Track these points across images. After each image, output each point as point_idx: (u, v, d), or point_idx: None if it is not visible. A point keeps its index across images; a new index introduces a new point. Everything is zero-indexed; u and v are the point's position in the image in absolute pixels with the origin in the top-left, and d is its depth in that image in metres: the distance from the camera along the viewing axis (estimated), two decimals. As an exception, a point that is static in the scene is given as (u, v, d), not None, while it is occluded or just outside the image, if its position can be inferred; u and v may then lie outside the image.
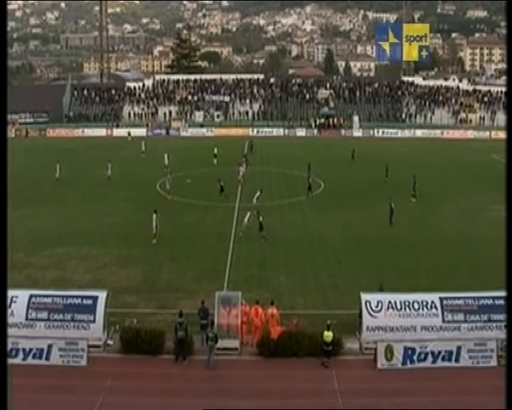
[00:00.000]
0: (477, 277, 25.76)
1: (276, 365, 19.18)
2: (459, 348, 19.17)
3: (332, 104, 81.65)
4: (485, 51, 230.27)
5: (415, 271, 27.20)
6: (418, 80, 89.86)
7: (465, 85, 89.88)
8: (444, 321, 19.61)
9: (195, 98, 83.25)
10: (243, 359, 19.67)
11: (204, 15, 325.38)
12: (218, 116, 79.95)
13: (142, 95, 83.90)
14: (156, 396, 17.40)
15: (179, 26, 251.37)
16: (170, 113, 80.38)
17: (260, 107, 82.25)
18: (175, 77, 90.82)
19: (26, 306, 19.67)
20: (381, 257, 28.92)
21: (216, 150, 52.75)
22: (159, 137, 71.19)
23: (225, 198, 39.25)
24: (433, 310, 19.70)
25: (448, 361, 19.12)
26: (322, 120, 77.15)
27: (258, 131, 73.69)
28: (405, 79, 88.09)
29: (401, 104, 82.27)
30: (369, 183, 45.13)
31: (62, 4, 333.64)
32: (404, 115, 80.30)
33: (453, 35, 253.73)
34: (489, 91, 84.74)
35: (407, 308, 19.73)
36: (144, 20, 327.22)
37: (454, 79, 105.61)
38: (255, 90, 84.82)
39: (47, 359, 19.05)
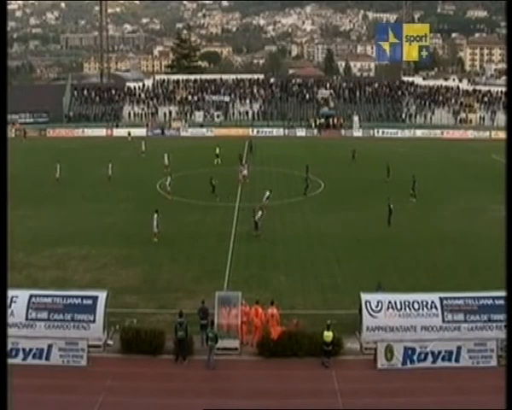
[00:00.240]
0: (477, 277, 25.77)
1: (276, 365, 19.18)
2: (459, 348, 19.17)
3: (332, 104, 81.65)
4: (485, 51, 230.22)
5: (415, 271, 27.21)
6: (418, 80, 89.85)
7: (465, 85, 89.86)
8: (444, 321, 19.61)
9: (195, 98, 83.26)
10: (243, 359, 19.67)
11: (204, 15, 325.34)
12: (218, 116, 79.96)
13: (142, 95, 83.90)
14: (156, 396, 17.41)
15: (179, 26, 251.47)
16: (170, 113, 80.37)
17: (260, 107, 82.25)
18: (175, 77, 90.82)
19: (26, 306, 19.67)
20: (381, 257, 28.92)
21: (218, 150, 52.77)
22: (159, 138, 71.20)
23: (216, 198, 39.27)
24: (433, 310, 19.71)
25: (448, 361, 19.13)
26: (322, 120, 77.14)
27: (258, 131, 73.68)
28: (405, 79, 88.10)
29: (401, 104, 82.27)
30: (370, 183, 45.14)
31: (62, 4, 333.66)
32: (404, 115, 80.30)
33: (453, 35, 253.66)
34: (489, 91, 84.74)
35: (407, 308, 19.74)
36: (144, 20, 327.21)
37: (454, 79, 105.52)
38: (255, 90, 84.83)
39: (47, 359, 19.05)
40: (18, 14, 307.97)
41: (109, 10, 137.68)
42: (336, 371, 18.72)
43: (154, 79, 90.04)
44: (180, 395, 17.55)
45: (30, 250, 29.39)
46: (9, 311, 18.70)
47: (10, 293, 18.40)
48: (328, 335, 19.03)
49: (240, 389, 17.89)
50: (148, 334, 19.69)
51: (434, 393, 17.71)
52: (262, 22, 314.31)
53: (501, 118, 76.76)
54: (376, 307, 19.75)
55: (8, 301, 18.60)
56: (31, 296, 19.92)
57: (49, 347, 19.06)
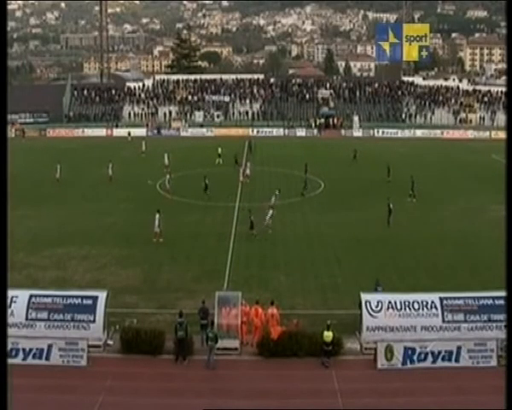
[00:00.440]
0: (477, 277, 25.77)
1: (276, 365, 19.18)
2: (459, 348, 19.17)
3: (332, 104, 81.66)
4: (485, 51, 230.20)
5: (415, 271, 27.22)
6: (418, 80, 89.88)
7: (465, 85, 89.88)
8: (444, 321, 19.61)
9: (195, 98, 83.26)
10: (243, 359, 19.67)
11: (204, 15, 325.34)
12: (218, 116, 79.96)
13: (142, 95, 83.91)
14: (156, 396, 17.41)
15: (179, 26, 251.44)
16: (170, 113, 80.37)
17: (260, 107, 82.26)
18: (175, 77, 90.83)
19: (26, 306, 19.67)
20: (381, 257, 28.92)
21: (220, 150, 52.78)
22: (158, 138, 71.18)
23: (207, 197, 39.50)
24: (433, 310, 19.71)
25: (448, 361, 19.13)
26: (322, 120, 77.14)
27: (258, 131, 73.67)
28: (405, 79, 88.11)
29: (401, 104, 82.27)
30: (370, 183, 45.14)
31: (62, 4, 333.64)
32: (404, 115, 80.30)
33: (453, 35, 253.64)
34: (489, 91, 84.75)
35: (407, 308, 19.74)
36: (144, 20, 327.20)
37: (454, 79, 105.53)
38: (255, 90, 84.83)
39: (47, 359, 19.05)
40: (18, 14, 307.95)
41: (109, 10, 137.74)
42: (336, 371, 18.72)
43: (154, 79, 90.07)
44: (180, 395, 17.55)
45: (30, 250, 29.38)
46: (9, 311, 18.70)
47: (10, 293, 18.39)
48: (328, 335, 19.03)
49: (240, 389, 17.88)
50: (148, 334, 19.69)
51: (434, 393, 17.70)
52: (262, 22, 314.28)
53: (501, 118, 76.76)
54: (376, 307, 19.75)
55: (8, 301, 18.61)
56: (31, 296, 19.92)
57: (49, 347, 19.06)
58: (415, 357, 19.11)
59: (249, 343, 20.15)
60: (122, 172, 47.61)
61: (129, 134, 68.73)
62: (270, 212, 32.63)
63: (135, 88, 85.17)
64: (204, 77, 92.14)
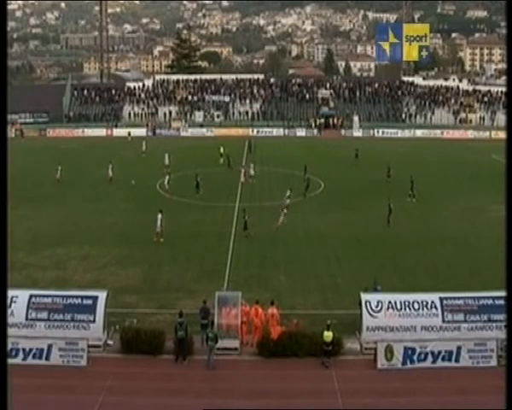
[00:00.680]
0: (477, 277, 25.77)
1: (276, 365, 19.18)
2: (459, 348, 19.17)
3: (332, 104, 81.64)
4: (485, 51, 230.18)
5: (414, 271, 27.22)
6: (418, 80, 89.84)
7: (465, 85, 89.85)
8: (444, 321, 19.61)
9: (195, 98, 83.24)
10: (243, 359, 19.67)
11: (204, 15, 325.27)
12: (218, 116, 79.94)
13: (142, 95, 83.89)
14: (156, 396, 17.41)
15: (179, 26, 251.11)
16: (170, 113, 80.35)
17: (260, 107, 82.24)
18: (175, 77, 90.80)
19: (26, 306, 19.67)
20: (381, 257, 28.92)
21: (222, 150, 52.78)
22: (158, 138, 71.16)
23: (199, 195, 39.97)
24: (433, 310, 19.71)
25: (448, 361, 19.13)
26: (322, 120, 77.13)
27: (258, 131, 73.66)
28: (405, 79, 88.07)
29: (401, 104, 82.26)
30: (370, 183, 45.14)
31: (62, 4, 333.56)
32: (404, 115, 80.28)
33: (453, 35, 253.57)
34: (489, 91, 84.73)
35: (407, 308, 19.74)
36: (144, 20, 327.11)
37: (454, 79, 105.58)
38: (255, 90, 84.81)
39: (47, 359, 19.05)
40: (18, 14, 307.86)
41: (109, 10, 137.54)
42: (336, 371, 18.72)
43: (154, 79, 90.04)
44: (180, 395, 17.55)
45: (30, 250, 29.38)
46: (9, 311, 18.71)
47: (10, 293, 18.40)
48: (328, 335, 19.03)
49: (240, 389, 17.89)
50: (148, 334, 19.69)
51: (434, 393, 17.71)
52: (262, 22, 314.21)
53: (501, 118, 76.73)
54: (376, 307, 19.75)
55: (8, 301, 18.61)
56: (31, 296, 19.92)
57: (49, 347, 19.06)
58: (415, 357, 19.11)
59: (249, 343, 20.15)
60: (122, 172, 47.57)
61: (129, 134, 68.71)
62: (285, 211, 32.86)
63: (135, 88, 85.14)
64: (204, 77, 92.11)
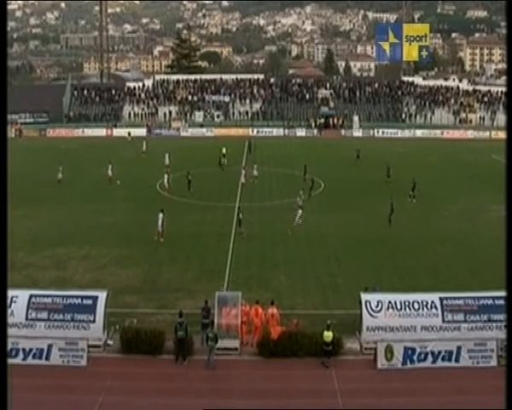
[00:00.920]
0: (477, 277, 25.77)
1: (276, 365, 19.18)
2: (459, 348, 19.17)
3: (332, 104, 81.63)
4: (485, 51, 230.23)
5: (414, 271, 27.21)
6: (418, 80, 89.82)
7: (465, 85, 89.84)
8: (444, 321, 19.61)
9: (195, 98, 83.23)
10: (243, 359, 19.67)
11: (204, 15, 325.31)
12: (218, 116, 79.94)
13: (142, 95, 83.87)
14: (156, 396, 17.40)
15: (179, 26, 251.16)
16: (170, 113, 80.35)
17: (260, 107, 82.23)
18: (175, 77, 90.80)
19: (26, 306, 19.67)
20: (381, 257, 28.92)
21: (224, 150, 52.79)
22: (158, 137, 71.15)
23: (190, 193, 40.64)
24: (433, 310, 19.71)
25: (448, 361, 19.13)
26: (322, 120, 77.14)
27: (258, 131, 73.68)
28: (405, 79, 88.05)
29: (401, 104, 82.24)
30: (370, 183, 45.14)
31: (62, 4, 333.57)
32: (404, 115, 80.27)
33: (453, 35, 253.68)
34: (489, 91, 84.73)
35: (407, 308, 19.73)
36: (144, 20, 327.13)
37: (454, 79, 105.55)
38: (255, 90, 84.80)
39: (47, 359, 19.05)
40: (18, 14, 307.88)
41: (109, 10, 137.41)
42: (336, 371, 18.72)
43: (154, 79, 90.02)
44: (180, 395, 17.55)
45: (30, 250, 29.38)
46: (9, 311, 18.71)
47: (10, 293, 18.39)
48: (328, 335, 19.03)
49: (240, 389, 17.88)
50: (148, 334, 19.68)
51: (434, 393, 17.70)
52: (262, 22, 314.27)
53: (501, 118, 76.72)
54: (376, 307, 19.75)
55: (8, 301, 18.61)
56: (31, 296, 19.92)
57: (49, 347, 19.05)
58: (415, 357, 19.11)
59: (249, 343, 20.15)
60: (122, 172, 47.56)
61: (129, 134, 68.70)
62: (300, 212, 32.92)
63: (135, 88, 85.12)
64: (204, 77, 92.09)
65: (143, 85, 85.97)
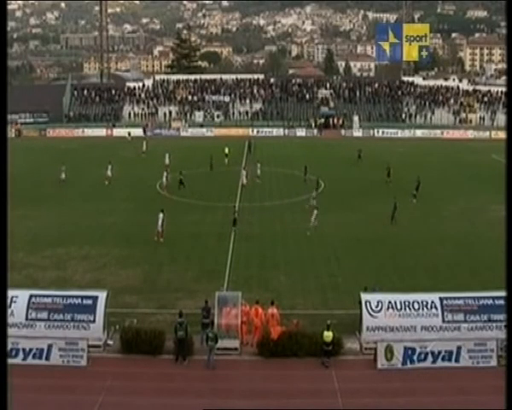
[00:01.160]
0: (477, 277, 25.77)
1: (276, 365, 19.18)
2: (459, 348, 19.17)
3: (332, 104, 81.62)
4: (485, 51, 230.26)
5: (414, 271, 27.21)
6: (418, 80, 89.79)
7: (465, 85, 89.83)
8: (444, 321, 19.61)
9: (195, 98, 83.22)
10: (243, 359, 19.67)
11: (204, 15, 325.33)
12: (218, 116, 79.93)
13: (142, 95, 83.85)
14: (156, 396, 17.40)
15: (179, 26, 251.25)
16: (170, 113, 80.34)
17: (260, 107, 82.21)
18: (175, 77, 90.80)
19: (26, 306, 19.67)
20: (381, 257, 28.92)
21: (227, 150, 52.73)
22: (159, 138, 71.12)
23: (182, 191, 41.11)
24: (433, 310, 19.71)
25: (448, 361, 19.13)
26: (322, 120, 77.13)
27: (258, 131, 73.68)
28: (405, 79, 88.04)
29: (401, 104, 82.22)
30: (370, 183, 45.13)
31: (62, 4, 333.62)
32: (404, 115, 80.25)
33: (453, 35, 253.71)
34: (489, 91, 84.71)
35: (407, 308, 19.74)
36: (144, 20, 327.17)
37: (454, 79, 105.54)
38: (255, 90, 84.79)
39: (47, 359, 19.05)
40: (18, 14, 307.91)
41: (109, 10, 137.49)
42: (336, 371, 18.72)
43: (154, 79, 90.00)
44: (180, 395, 17.55)
45: (30, 250, 29.38)
46: (9, 311, 18.71)
47: (10, 293, 18.40)
48: (328, 335, 19.03)
49: (240, 389, 17.89)
50: (148, 334, 19.69)
51: (434, 393, 17.70)
52: (262, 22, 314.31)
53: (501, 118, 76.71)
54: (376, 307, 19.75)
55: (8, 301, 18.61)
56: (31, 296, 19.92)
57: (49, 347, 19.06)
58: (415, 357, 19.11)
59: (249, 343, 20.15)
60: (122, 172, 47.61)
61: (129, 134, 68.70)
62: (315, 212, 32.89)
63: (135, 88, 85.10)
64: (204, 77, 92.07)
65: (143, 85, 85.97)
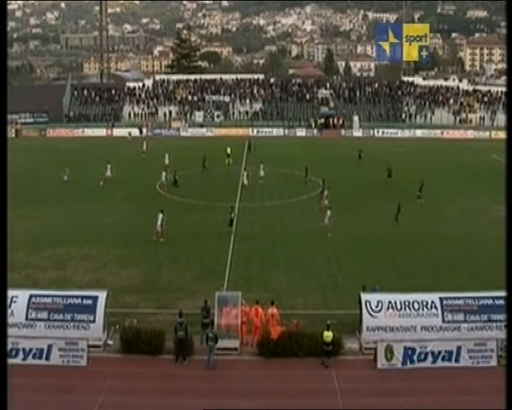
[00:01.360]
0: (477, 277, 25.76)
1: (276, 365, 19.18)
2: (459, 348, 19.17)
3: (332, 104, 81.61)
4: (485, 51, 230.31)
5: (415, 271, 27.21)
6: (418, 80, 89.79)
7: (465, 85, 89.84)
8: (444, 321, 19.61)
9: (195, 98, 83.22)
10: (243, 359, 19.67)
11: (204, 15, 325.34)
12: (218, 116, 79.92)
13: (142, 95, 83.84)
14: (156, 396, 17.40)
15: (179, 26, 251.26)
16: (170, 113, 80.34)
17: (260, 107, 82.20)
18: (175, 77, 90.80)
19: (26, 306, 19.67)
20: (381, 257, 28.92)
21: (229, 150, 52.74)
22: (159, 137, 71.09)
23: (175, 190, 41.42)
24: (433, 310, 19.71)
25: (448, 361, 19.13)
26: (322, 120, 77.12)
27: (258, 131, 73.67)
28: (405, 79, 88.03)
29: (401, 104, 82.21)
30: (370, 183, 45.11)
31: (62, 4, 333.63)
32: (404, 115, 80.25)
33: (453, 35, 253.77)
34: (489, 91, 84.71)
35: (407, 308, 19.74)
36: (144, 20, 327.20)
37: (454, 79, 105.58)
38: (255, 90, 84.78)
39: (47, 359, 19.05)
40: (18, 14, 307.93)
41: (109, 10, 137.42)
42: (336, 371, 18.72)
43: (154, 79, 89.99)
44: (180, 395, 17.55)
45: (30, 250, 29.38)
46: (9, 311, 18.71)
47: (10, 293, 18.39)
48: (328, 335, 19.03)
49: (240, 389, 17.89)
50: (148, 334, 19.69)
51: (434, 393, 17.70)
52: (262, 22, 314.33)
53: (501, 118, 76.70)
54: (376, 307, 19.75)
55: (8, 301, 18.61)
56: (31, 296, 19.92)
57: (49, 347, 19.06)
58: (415, 357, 19.11)
59: (249, 343, 20.15)
60: (122, 172, 47.60)
61: (129, 134, 68.69)
62: (328, 213, 32.84)
63: (135, 88, 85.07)
64: (204, 77, 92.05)
65: (143, 85, 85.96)
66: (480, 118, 79.79)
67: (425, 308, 19.70)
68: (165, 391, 17.75)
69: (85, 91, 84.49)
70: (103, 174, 44.87)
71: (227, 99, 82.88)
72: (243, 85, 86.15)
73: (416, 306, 19.75)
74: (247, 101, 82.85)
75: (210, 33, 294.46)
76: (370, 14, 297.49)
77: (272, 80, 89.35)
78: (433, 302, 19.81)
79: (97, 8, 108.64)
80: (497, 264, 23.22)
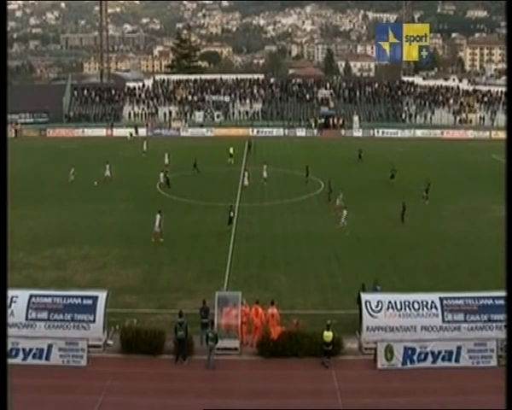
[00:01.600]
0: (477, 277, 25.77)
1: (276, 365, 19.18)
2: (459, 348, 19.17)
3: (332, 104, 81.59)
4: (485, 51, 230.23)
5: (415, 271, 27.22)
6: (418, 80, 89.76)
7: (465, 85, 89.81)
8: (444, 321, 19.61)
9: (195, 98, 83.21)
10: (243, 359, 19.67)
11: (204, 15, 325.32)
12: (218, 116, 79.90)
13: (142, 95, 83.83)
14: (156, 396, 17.40)
15: (179, 26, 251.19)
16: (170, 113, 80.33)
17: (260, 107, 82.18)
18: (175, 77, 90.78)
19: (26, 306, 19.67)
20: (381, 257, 28.93)
21: (232, 150, 52.70)
22: (159, 137, 71.08)
23: (168, 190, 41.74)
24: (433, 310, 19.71)
25: (448, 361, 19.13)
26: (322, 120, 77.10)
27: (258, 131, 73.64)
28: (405, 79, 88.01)
29: (401, 104, 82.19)
30: (370, 183, 45.12)
31: (62, 4, 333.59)
32: (404, 115, 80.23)
33: (453, 35, 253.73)
34: (489, 91, 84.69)
35: (407, 308, 19.74)
36: (144, 20, 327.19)
37: (454, 79, 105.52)
38: (255, 90, 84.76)
39: (47, 359, 19.05)
40: (18, 14, 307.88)
41: (109, 10, 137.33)
42: (336, 371, 18.72)
43: (154, 79, 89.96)
44: (180, 395, 17.55)
45: (30, 250, 29.38)
46: (9, 311, 18.72)
47: (10, 293, 18.41)
48: (328, 335, 19.03)
49: (240, 389, 17.89)
50: (148, 334, 19.69)
51: (434, 393, 17.70)
52: (262, 22, 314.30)
53: (501, 118, 76.69)
54: (376, 307, 19.75)
55: (8, 301, 18.61)
56: (31, 296, 19.93)
57: (49, 347, 19.06)
58: (415, 357, 19.11)
59: (249, 343, 20.15)
60: (122, 172, 47.60)
61: (130, 134, 68.68)
62: (345, 212, 33.01)
63: (135, 88, 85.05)
64: (204, 77, 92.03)
65: (143, 85, 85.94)
66: (480, 118, 79.78)
67: (425, 308, 19.70)
68: (165, 391, 17.75)
69: (85, 91, 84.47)
70: (102, 174, 44.84)
71: (227, 99, 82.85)
72: (243, 85, 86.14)
73: (416, 306, 19.75)
74: (247, 101, 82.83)
75: (210, 33, 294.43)
76: (370, 14, 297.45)
77: (272, 80, 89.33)
78: (433, 302, 19.82)
79: (97, 8, 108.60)
80: (497, 264, 23.22)
